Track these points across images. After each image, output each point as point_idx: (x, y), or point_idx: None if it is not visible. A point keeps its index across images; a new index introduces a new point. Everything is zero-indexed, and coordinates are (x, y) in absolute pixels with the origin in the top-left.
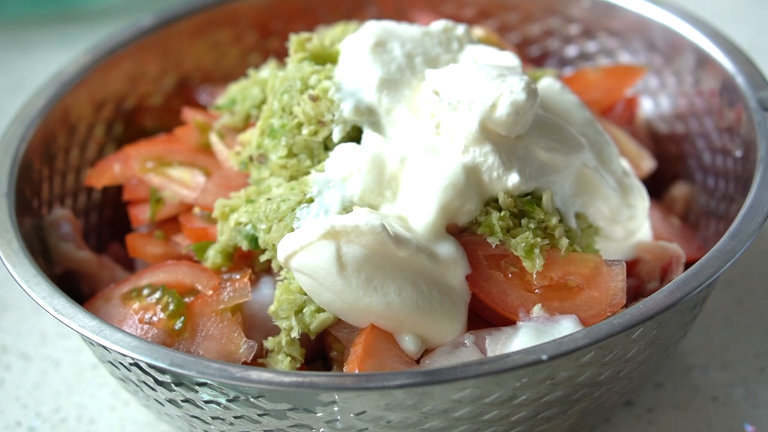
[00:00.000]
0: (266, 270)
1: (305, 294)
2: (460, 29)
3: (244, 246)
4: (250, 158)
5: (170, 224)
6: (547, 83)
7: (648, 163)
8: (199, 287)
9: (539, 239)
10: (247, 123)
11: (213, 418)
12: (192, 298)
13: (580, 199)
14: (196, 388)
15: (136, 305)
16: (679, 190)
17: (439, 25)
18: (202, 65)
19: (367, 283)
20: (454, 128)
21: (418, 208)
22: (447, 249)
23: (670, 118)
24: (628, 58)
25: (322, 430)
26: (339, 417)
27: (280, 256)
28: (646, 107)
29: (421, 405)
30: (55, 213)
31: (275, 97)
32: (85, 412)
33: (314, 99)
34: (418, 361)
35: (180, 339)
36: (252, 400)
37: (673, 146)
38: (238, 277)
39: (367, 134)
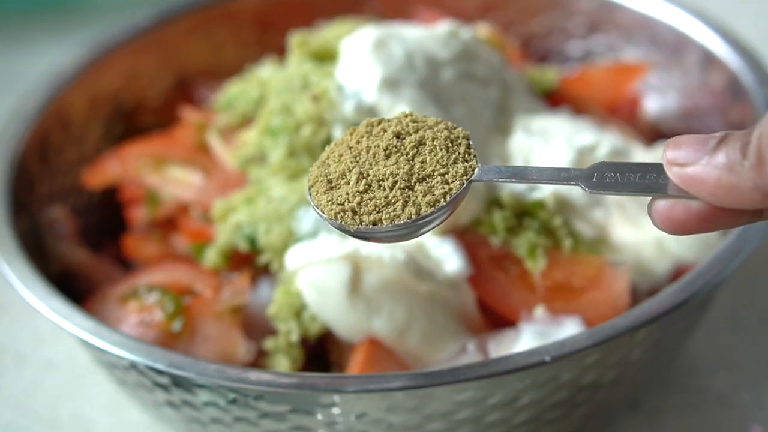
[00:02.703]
0: (265, 271)
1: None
2: (465, 32)
3: (243, 247)
4: (250, 158)
5: (168, 224)
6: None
7: None
8: (198, 288)
9: (542, 239)
10: (245, 122)
11: (212, 420)
12: (190, 299)
13: (590, 206)
14: (195, 389)
15: (133, 306)
16: None
17: (443, 26)
18: (200, 62)
19: (375, 310)
20: None
21: None
22: (448, 250)
23: (675, 116)
24: (633, 54)
25: None
26: (339, 419)
27: (290, 264)
28: (652, 104)
29: (422, 407)
30: (51, 213)
31: (275, 96)
32: (82, 414)
33: (315, 98)
34: None
35: (178, 340)
36: (251, 402)
37: None
38: (237, 278)
39: None
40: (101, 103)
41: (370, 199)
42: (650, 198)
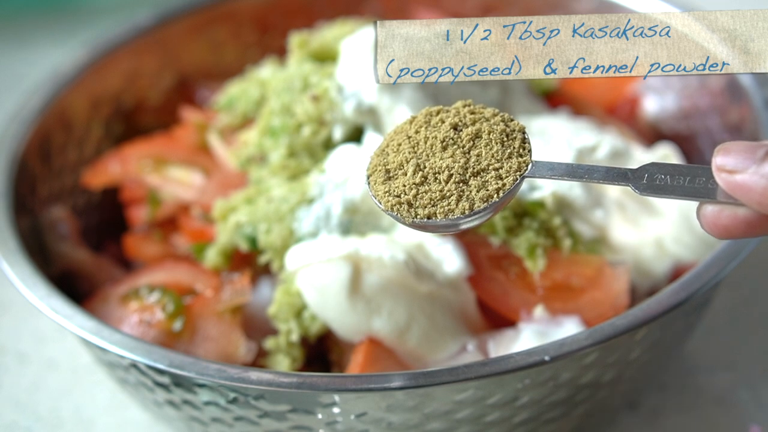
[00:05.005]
0: (265, 271)
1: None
2: None
3: (244, 247)
4: (250, 158)
5: (168, 224)
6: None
7: None
8: (198, 288)
9: (541, 239)
10: (246, 122)
11: (212, 419)
12: (191, 299)
13: (589, 206)
14: (195, 389)
15: (134, 306)
16: None
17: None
18: (201, 63)
19: (375, 310)
20: None
21: None
22: (448, 250)
23: (674, 116)
24: None
25: (321, 431)
26: (339, 419)
27: (290, 264)
28: (651, 105)
29: (422, 406)
30: (53, 212)
31: (276, 97)
32: (84, 413)
33: (315, 99)
34: None
35: (179, 340)
36: (251, 401)
37: (677, 144)
38: (237, 277)
39: (369, 134)
40: (102, 104)
41: (426, 192)
42: (698, 202)
